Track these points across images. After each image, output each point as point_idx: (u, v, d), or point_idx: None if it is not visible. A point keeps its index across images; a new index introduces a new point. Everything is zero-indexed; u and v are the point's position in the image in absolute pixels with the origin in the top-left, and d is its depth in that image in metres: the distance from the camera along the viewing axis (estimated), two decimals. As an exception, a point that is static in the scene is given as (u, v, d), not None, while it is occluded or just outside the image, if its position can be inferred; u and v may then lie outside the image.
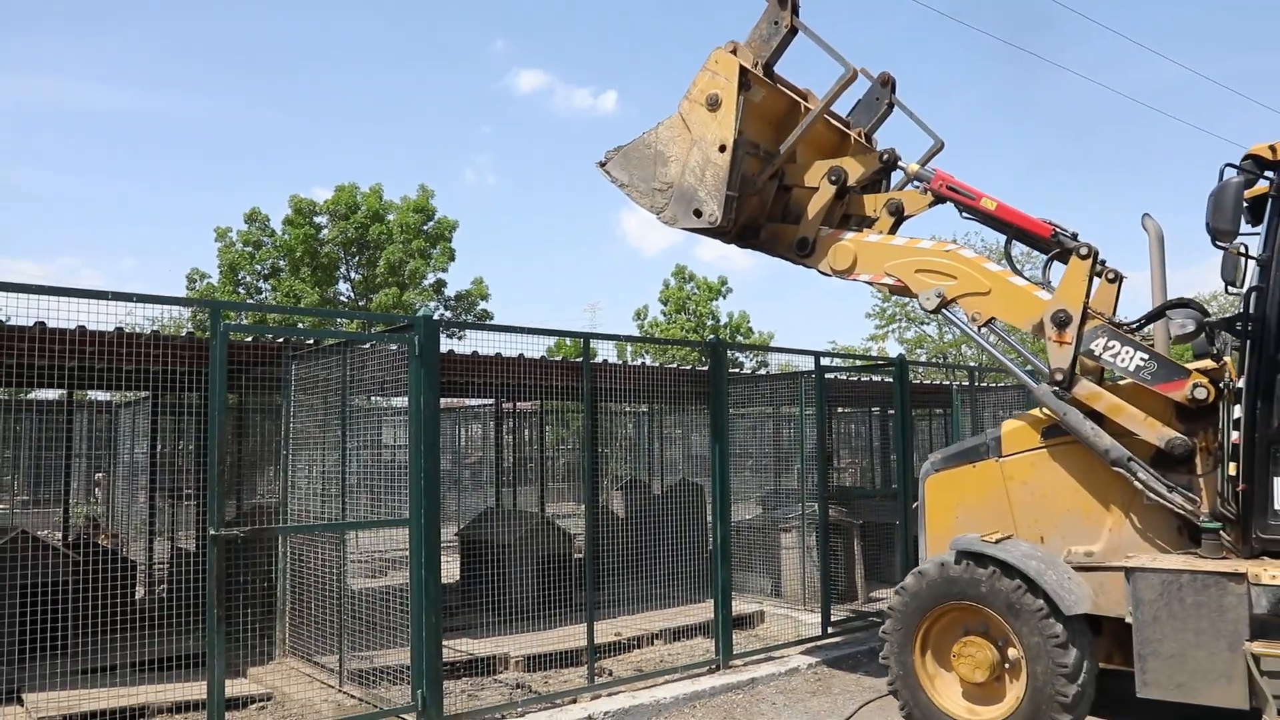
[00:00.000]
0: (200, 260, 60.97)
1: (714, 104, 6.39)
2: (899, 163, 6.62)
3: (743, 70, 6.29)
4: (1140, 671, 5.30)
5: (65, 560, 6.96)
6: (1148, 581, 5.30)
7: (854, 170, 6.72)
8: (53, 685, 6.26)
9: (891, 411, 9.80)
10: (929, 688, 5.99)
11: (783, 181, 6.89)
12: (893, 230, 6.72)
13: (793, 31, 6.36)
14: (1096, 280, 6.05)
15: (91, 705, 5.97)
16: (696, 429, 12.12)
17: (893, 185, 6.89)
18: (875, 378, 10.33)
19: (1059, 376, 5.89)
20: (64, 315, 4.85)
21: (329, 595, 6.93)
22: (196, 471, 7.86)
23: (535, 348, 7.52)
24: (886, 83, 7.09)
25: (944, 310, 6.29)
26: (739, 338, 26.73)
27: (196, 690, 6.15)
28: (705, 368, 8.24)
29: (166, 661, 6.24)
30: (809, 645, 8.38)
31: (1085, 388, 5.87)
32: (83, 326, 5.72)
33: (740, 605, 8.88)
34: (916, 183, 6.49)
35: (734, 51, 6.38)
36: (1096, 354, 5.84)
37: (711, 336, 8.06)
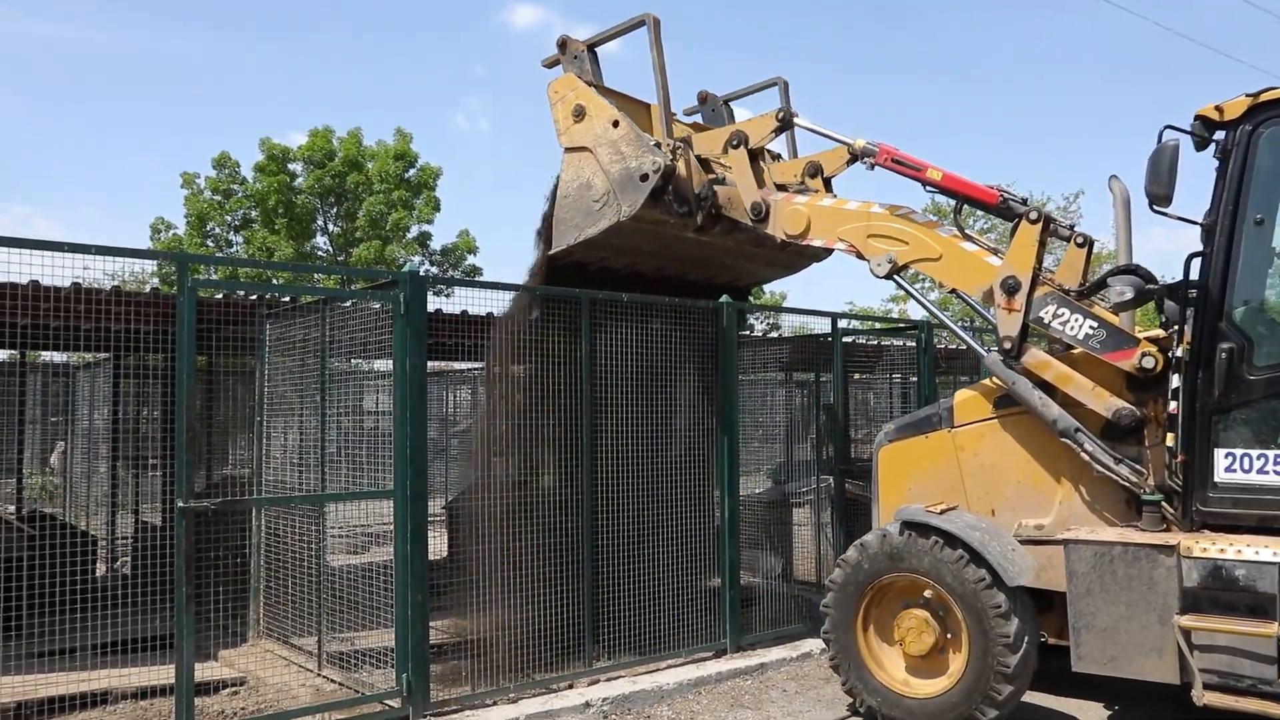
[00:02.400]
0: (165, 209, 60.70)
1: (580, 112, 7.32)
2: (795, 119, 7.23)
3: (579, 77, 7.41)
4: (1075, 645, 5.51)
5: (19, 535, 6.94)
6: (1080, 554, 5.49)
7: (753, 131, 7.28)
8: (5, 669, 6.27)
9: (914, 379, 9.79)
10: (871, 662, 6.25)
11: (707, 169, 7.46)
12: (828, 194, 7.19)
13: (592, 52, 7.57)
14: (1064, 246, 6.29)
15: (49, 691, 5.98)
16: (701, 396, 12.03)
17: (839, 163, 7.30)
18: (896, 342, 10.32)
19: (1008, 345, 6.07)
20: (16, 269, 4.77)
21: (307, 573, 6.95)
22: (163, 440, 7.83)
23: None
24: (705, 100, 8.34)
25: (895, 276, 6.55)
26: (749, 299, 26.56)
27: (163, 674, 6.17)
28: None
29: (131, 644, 6.25)
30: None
31: (1034, 356, 6.05)
32: (36, 281, 5.65)
33: (749, 585, 8.89)
34: (864, 158, 6.80)
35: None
36: (1045, 321, 6.01)
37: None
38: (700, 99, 8.34)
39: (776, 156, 8.05)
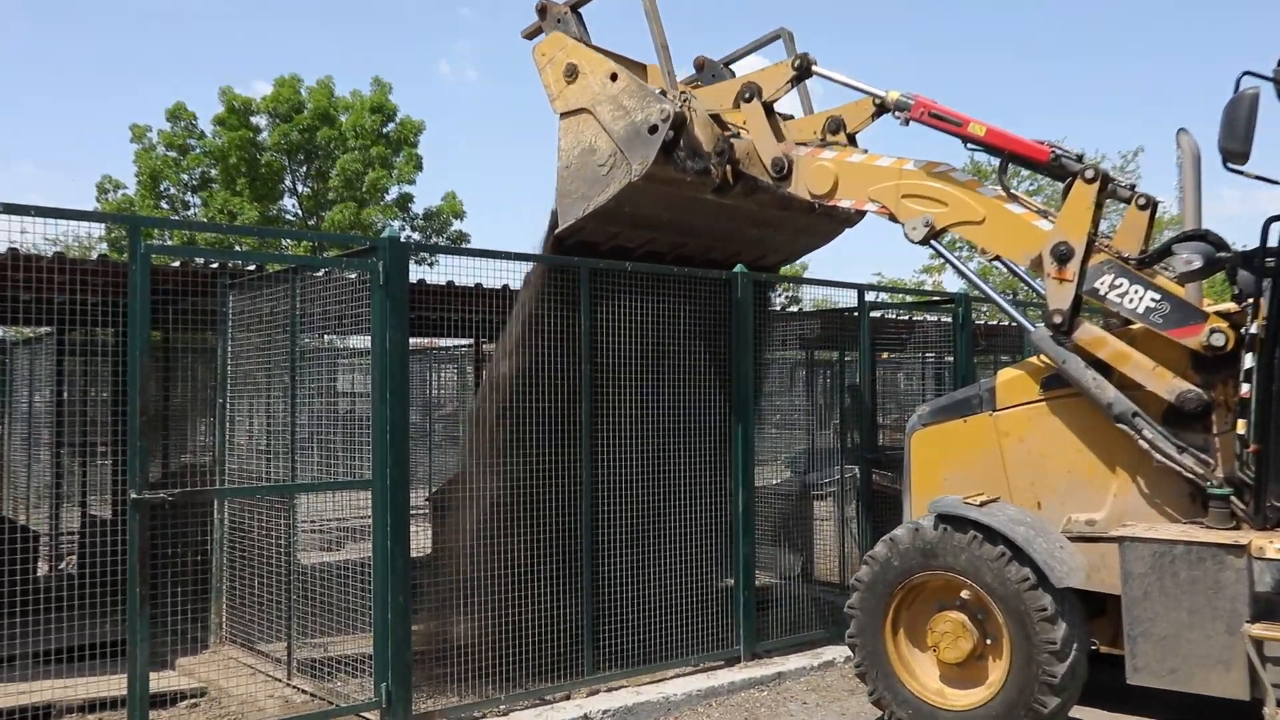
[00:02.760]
0: (113, 166, 60.51)
1: (573, 71, 7.31)
2: (814, 67, 7.24)
3: (567, 34, 7.43)
4: (1130, 655, 5.50)
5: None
6: (1137, 553, 5.48)
7: (767, 82, 7.29)
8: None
9: (949, 358, 9.75)
10: (901, 670, 6.25)
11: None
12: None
13: (576, 13, 7.58)
14: (1124, 208, 6.21)
15: (-11, 701, 5.96)
16: (714, 376, 12.03)
17: (867, 117, 7.25)
18: (930, 317, 10.28)
19: (1058, 319, 6.04)
20: (-55, 232, 4.70)
21: (275, 572, 6.93)
22: (113, 424, 7.79)
23: (522, 276, 7.40)
24: (702, 66, 8.25)
25: (933, 242, 6.51)
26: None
27: (114, 685, 6.14)
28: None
29: (77, 651, 6.23)
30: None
31: (1087, 332, 6.01)
32: (-31, 246, 5.56)
33: (765, 586, 8.87)
34: (897, 113, 6.72)
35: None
36: (1101, 293, 5.97)
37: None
38: (697, 65, 8.26)
39: (786, 118, 7.99)
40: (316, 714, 6.10)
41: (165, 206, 26.48)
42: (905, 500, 7.00)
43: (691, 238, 7.85)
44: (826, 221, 8.27)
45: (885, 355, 11.97)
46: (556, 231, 7.25)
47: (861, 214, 8.14)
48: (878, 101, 6.89)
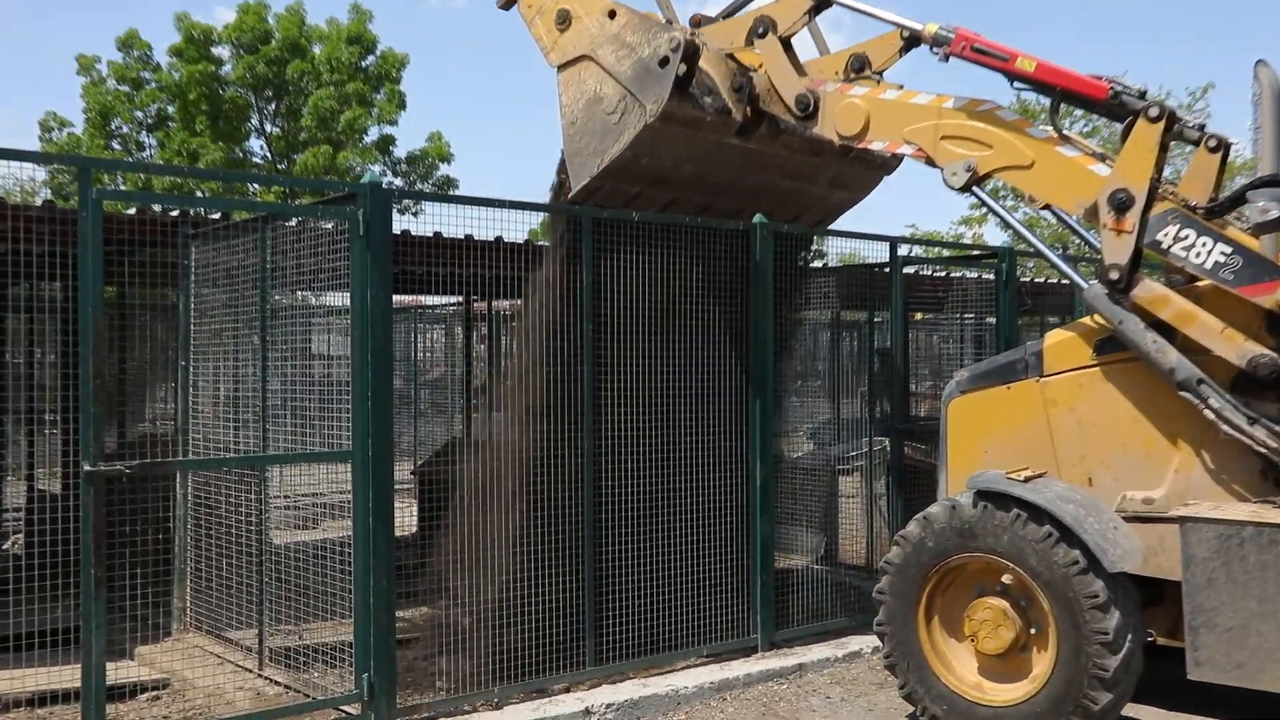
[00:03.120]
0: (58, 103, 60.16)
1: (565, 17, 7.32)
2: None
3: None
4: (1191, 648, 5.52)
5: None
6: (1201, 535, 5.47)
7: (782, 15, 7.22)
8: None
9: (991, 319, 9.71)
10: (935, 662, 6.27)
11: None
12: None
13: None
14: (1191, 151, 6.17)
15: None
16: (729, 339, 12.04)
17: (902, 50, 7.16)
18: (970, 273, 10.23)
19: (1115, 275, 6.00)
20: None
21: (244, 552, 6.94)
22: (63, 389, 7.76)
23: (518, 227, 7.37)
24: (699, 22, 7.90)
25: (975, 188, 6.48)
26: (811, 240, 26.41)
27: (67, 676, 6.15)
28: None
29: (25, 639, 6.24)
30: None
31: (1148, 289, 5.98)
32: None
33: (784, 569, 8.89)
34: (935, 47, 6.63)
35: None
36: (1164, 246, 5.93)
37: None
38: (694, 23, 8.14)
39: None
40: (291, 707, 6.12)
41: (117, 147, 26.33)
42: (941, 475, 7.01)
43: (718, 197, 7.82)
44: (862, 169, 8.20)
45: (919, 316, 11.94)
46: (569, 197, 7.23)
47: (898, 160, 8.08)
48: (906, 35, 6.81)
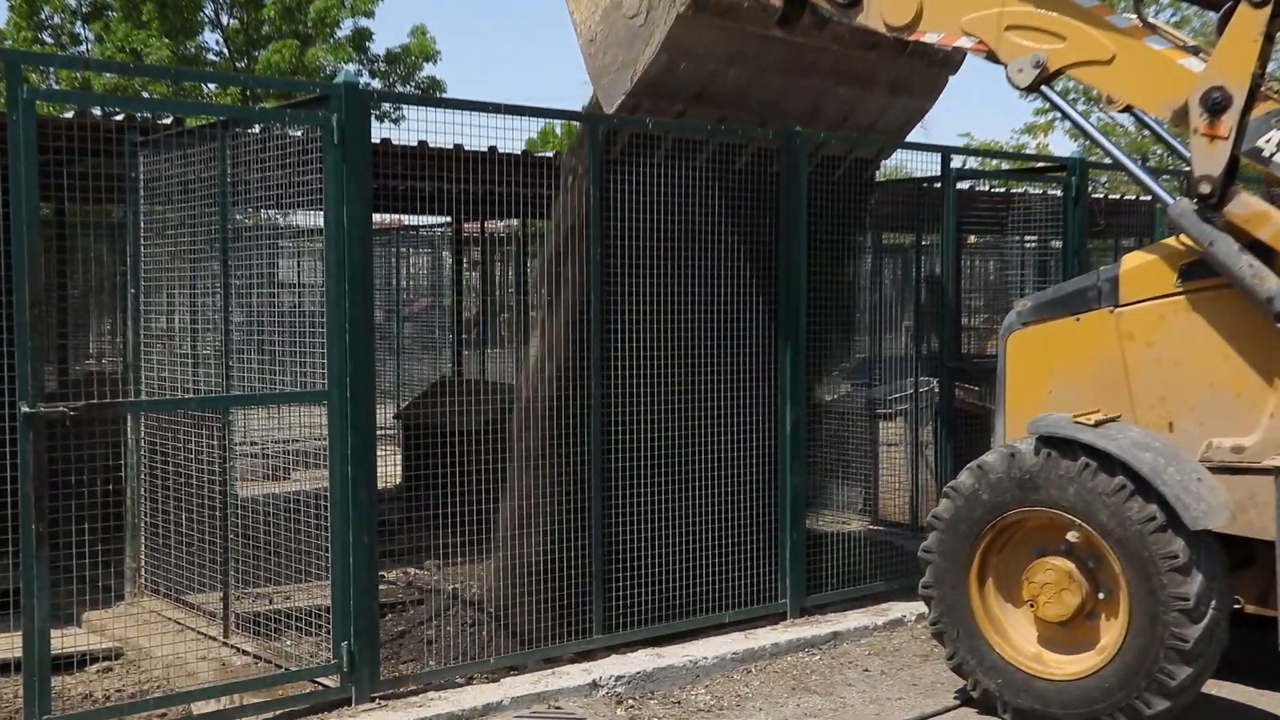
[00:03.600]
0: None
1: None
2: None
3: None
4: None
5: None
6: None
7: None
8: None
9: (1057, 243, 9.63)
10: (989, 630, 6.24)
11: None
12: None
13: None
14: None
15: None
16: (755, 264, 11.97)
17: None
18: (1034, 189, 10.12)
19: (1206, 188, 5.87)
20: None
21: (206, 506, 6.96)
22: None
23: (514, 136, 7.32)
24: None
25: (1044, 88, 6.37)
26: (875, 168, 26.15)
27: (5, 645, 6.20)
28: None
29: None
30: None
31: (1245, 205, 5.84)
32: None
33: (817, 526, 8.90)
34: None
35: None
36: (1266, 154, 5.80)
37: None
38: None
39: None
40: (260, 679, 6.18)
41: (48, 40, 26.04)
42: (998, 419, 6.96)
43: (770, 114, 7.74)
44: (924, 67, 8.10)
45: (974, 238, 11.87)
46: (604, 113, 7.17)
47: (961, 57, 7.98)
48: None
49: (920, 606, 7.65)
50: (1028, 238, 10.34)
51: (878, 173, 8.98)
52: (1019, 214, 9.96)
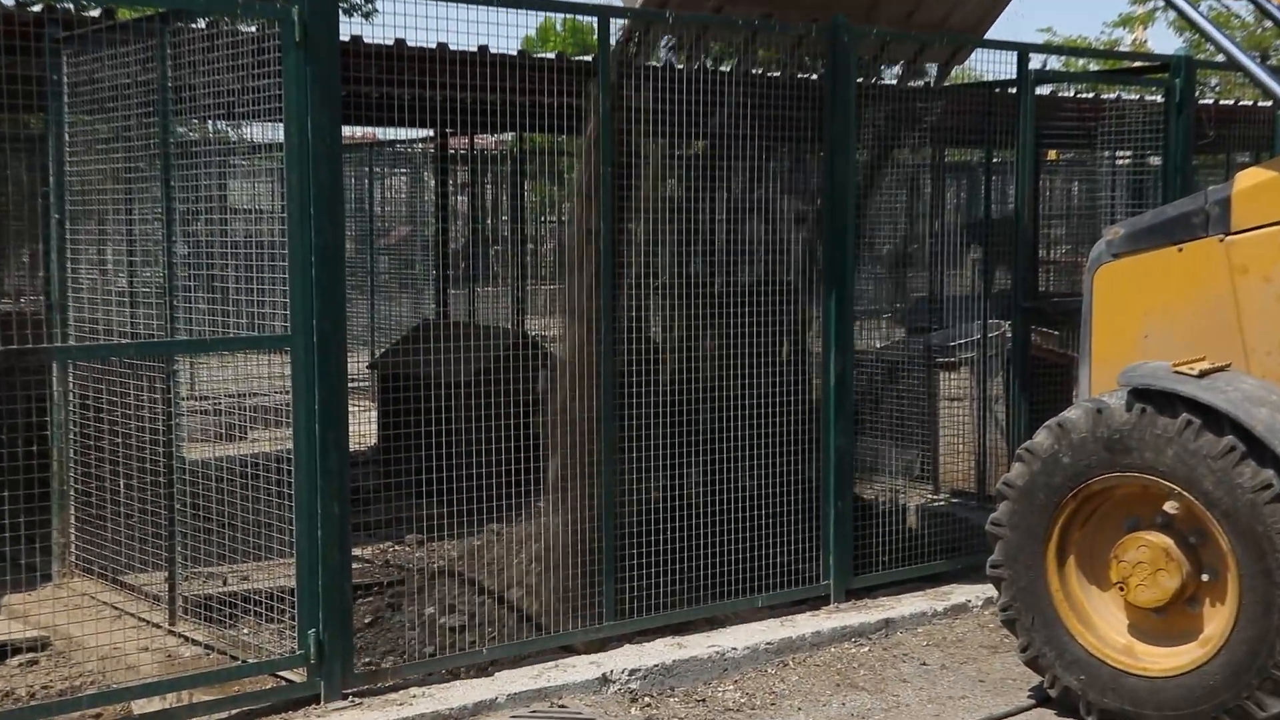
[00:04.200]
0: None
1: None
2: None
3: None
4: None
5: None
6: None
7: None
8: None
9: (1157, 159, 9.54)
10: (1070, 617, 6.23)
11: None
12: None
13: None
14: None
15: None
16: (793, 188, 11.85)
17: None
18: (1128, 94, 10.02)
19: None
20: None
21: (148, 471, 6.95)
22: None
23: (509, 33, 7.25)
24: None
25: None
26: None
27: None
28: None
29: None
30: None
31: None
32: None
33: (866, 495, 8.90)
34: None
35: None
36: None
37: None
38: None
39: None
40: (213, 674, 6.18)
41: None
42: (1082, 368, 6.92)
43: (823, 12, 7.67)
44: None
45: (1055, 155, 11.76)
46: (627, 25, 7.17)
47: None
48: None
49: (988, 589, 7.67)
50: (1120, 153, 10.24)
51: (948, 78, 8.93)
52: (1110, 124, 9.86)
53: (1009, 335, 9.07)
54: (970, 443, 9.79)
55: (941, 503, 9.73)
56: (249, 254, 6.62)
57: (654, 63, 7.42)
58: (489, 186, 15.33)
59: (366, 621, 7.22)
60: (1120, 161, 10.39)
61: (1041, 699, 6.52)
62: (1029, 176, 8.99)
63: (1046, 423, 6.32)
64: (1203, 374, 5.94)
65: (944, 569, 8.47)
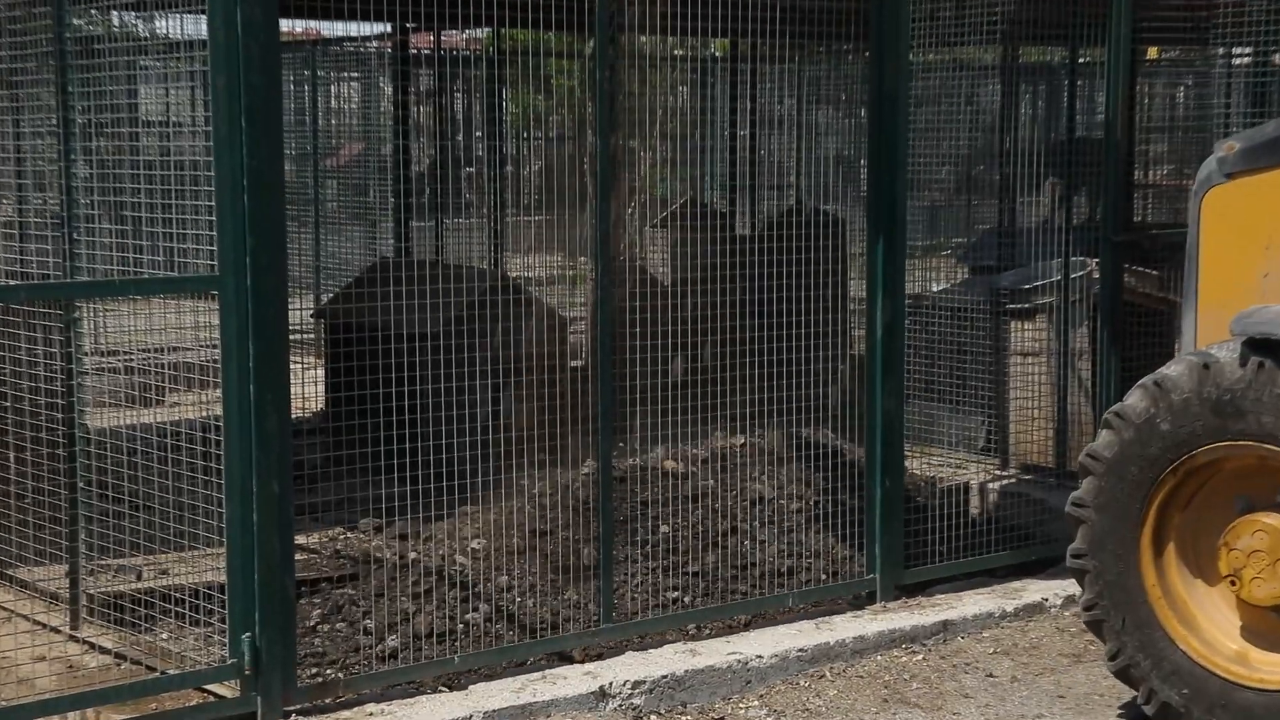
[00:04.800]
0: None
1: None
2: None
3: None
4: None
5: None
6: None
7: None
8: None
9: None
10: (1169, 617, 6.22)
11: None
12: None
13: None
14: None
15: None
16: (827, 99, 11.73)
17: None
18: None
19: None
20: None
21: (42, 443, 6.95)
22: None
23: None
24: None
25: None
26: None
27: None
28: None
29: None
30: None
31: None
32: None
33: (920, 471, 8.90)
34: None
35: None
36: None
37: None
38: None
39: None
40: (126, 686, 6.15)
41: None
42: (1187, 314, 6.85)
43: None
44: None
45: (1156, 53, 11.68)
46: None
47: None
48: None
49: (1070, 585, 7.67)
50: (1237, 50, 10.20)
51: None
52: (1226, 14, 9.81)
53: (1096, 276, 9.06)
54: (1047, 407, 9.79)
55: (1012, 480, 9.74)
56: (166, 177, 6.59)
57: None
58: (459, 95, 15.28)
59: (313, 624, 7.19)
60: (1237, 61, 10.34)
61: (1136, 717, 6.51)
62: (1123, 80, 8.94)
63: (1141, 381, 6.28)
64: None
65: (1014, 560, 8.48)
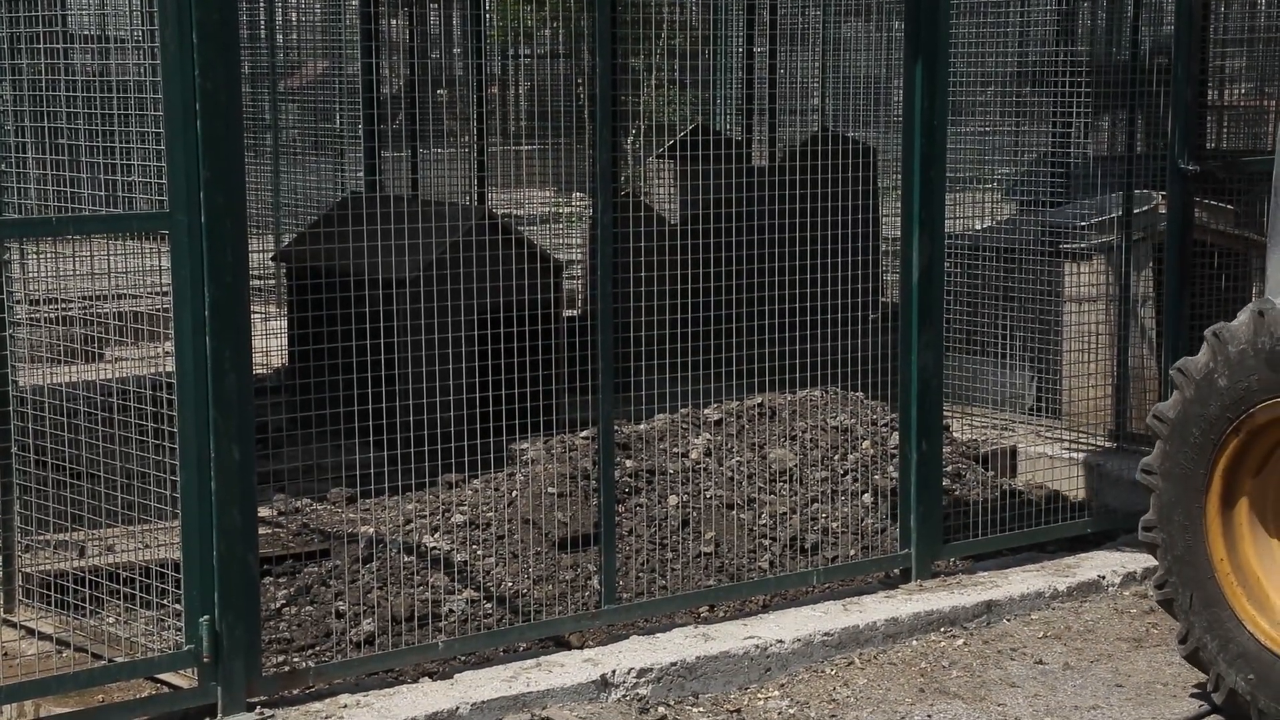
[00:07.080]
0: None
1: None
2: None
3: None
4: None
5: None
6: None
7: None
8: None
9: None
10: (1236, 595, 6.23)
11: None
12: None
13: None
14: None
15: None
16: (856, 9, 11.66)
17: None
18: None
19: None
20: None
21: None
22: None
23: None
24: None
25: None
26: None
27: None
28: None
29: None
30: (1128, 533, 8.42)
31: None
32: None
33: (962, 434, 8.95)
34: None
35: None
36: None
37: None
38: None
39: None
40: (68, 676, 6.12)
41: None
42: (1271, 256, 6.81)
43: None
44: None
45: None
46: None
47: None
48: None
49: (1128, 561, 7.72)
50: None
51: None
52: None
53: (1162, 210, 9.08)
54: (1105, 362, 9.78)
55: (1065, 444, 9.77)
56: (107, 100, 6.60)
57: None
58: (436, 4, 15.27)
59: (278, 606, 7.25)
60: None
61: (1206, 710, 6.52)
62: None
63: (1210, 329, 6.26)
64: None
65: (1067, 534, 8.51)
